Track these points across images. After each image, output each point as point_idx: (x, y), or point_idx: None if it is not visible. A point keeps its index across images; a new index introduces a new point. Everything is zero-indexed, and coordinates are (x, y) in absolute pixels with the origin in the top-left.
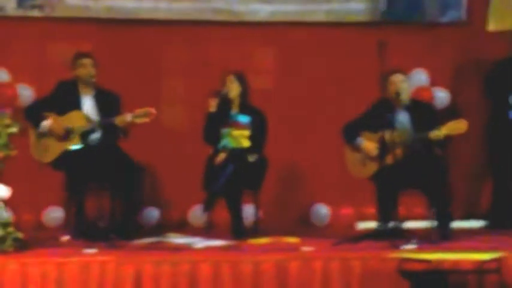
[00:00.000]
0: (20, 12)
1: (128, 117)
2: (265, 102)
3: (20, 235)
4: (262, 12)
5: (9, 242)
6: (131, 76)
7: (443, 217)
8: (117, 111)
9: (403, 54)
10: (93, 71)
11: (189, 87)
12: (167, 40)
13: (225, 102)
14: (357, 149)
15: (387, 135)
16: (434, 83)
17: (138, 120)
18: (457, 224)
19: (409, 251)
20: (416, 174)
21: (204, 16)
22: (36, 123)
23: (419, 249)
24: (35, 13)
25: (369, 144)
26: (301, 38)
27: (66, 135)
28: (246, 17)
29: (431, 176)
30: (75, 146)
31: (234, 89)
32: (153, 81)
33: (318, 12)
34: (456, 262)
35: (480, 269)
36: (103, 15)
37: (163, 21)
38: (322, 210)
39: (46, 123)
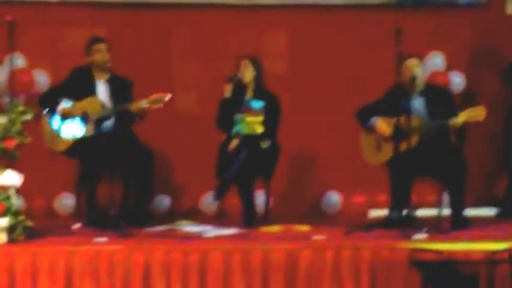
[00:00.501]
0: None
1: (144, 103)
2: (277, 87)
3: (30, 224)
4: None
5: (19, 230)
6: (144, 61)
7: (458, 206)
8: (129, 97)
9: (420, 38)
10: (107, 56)
11: (202, 72)
12: (180, 24)
13: (239, 87)
14: (371, 129)
15: (403, 120)
16: (450, 66)
17: (152, 106)
18: (469, 212)
19: (420, 240)
20: (431, 162)
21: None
22: (51, 111)
23: (431, 239)
24: None
25: (383, 124)
26: (315, 21)
27: (82, 120)
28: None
29: (447, 164)
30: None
31: (248, 74)
32: (166, 66)
33: None
34: (467, 253)
35: (491, 259)
36: None
37: (176, 5)
38: (334, 198)
39: (61, 106)
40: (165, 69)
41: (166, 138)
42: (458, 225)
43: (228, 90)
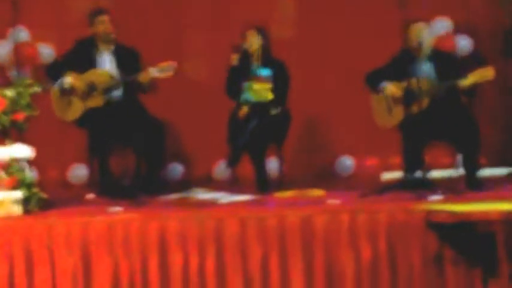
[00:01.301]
0: None
1: (151, 72)
2: (286, 53)
3: (44, 195)
4: None
5: (33, 202)
6: (152, 30)
7: (472, 166)
8: (138, 67)
9: (425, 1)
10: (111, 28)
11: (210, 40)
12: None
13: (246, 56)
14: (381, 92)
15: (412, 83)
16: (457, 30)
17: (162, 75)
18: (483, 172)
19: (435, 202)
20: (443, 123)
21: None
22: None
23: (446, 200)
24: None
25: (393, 86)
26: None
27: (89, 91)
28: None
29: (458, 125)
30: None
31: (254, 43)
32: (174, 35)
33: None
34: (484, 213)
35: (508, 218)
36: None
37: None
38: (347, 162)
39: (68, 80)
40: (174, 39)
41: (177, 106)
42: (472, 186)
43: (234, 59)
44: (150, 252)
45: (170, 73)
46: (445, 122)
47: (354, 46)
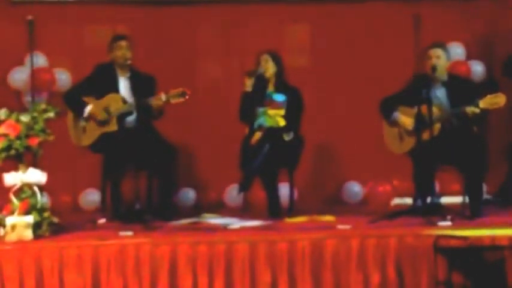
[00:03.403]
0: None
1: (163, 97)
2: (299, 80)
3: (55, 220)
4: None
5: (45, 226)
6: (167, 56)
7: (475, 194)
8: (152, 93)
9: (439, 28)
10: (128, 54)
11: (225, 66)
12: (202, 20)
13: (260, 82)
14: (394, 123)
15: (424, 109)
16: (470, 56)
17: (173, 100)
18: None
19: (445, 227)
20: (452, 150)
21: None
22: (76, 108)
23: (455, 226)
24: None
25: (405, 118)
26: (335, 15)
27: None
28: None
29: (466, 153)
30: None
31: (269, 69)
32: (189, 61)
33: None
34: (492, 238)
35: None
36: None
37: (198, 1)
38: (357, 188)
39: (88, 109)
40: (188, 65)
41: (190, 132)
42: (474, 213)
43: (248, 84)
44: (160, 276)
45: (181, 99)
46: (454, 149)
47: (365, 72)
